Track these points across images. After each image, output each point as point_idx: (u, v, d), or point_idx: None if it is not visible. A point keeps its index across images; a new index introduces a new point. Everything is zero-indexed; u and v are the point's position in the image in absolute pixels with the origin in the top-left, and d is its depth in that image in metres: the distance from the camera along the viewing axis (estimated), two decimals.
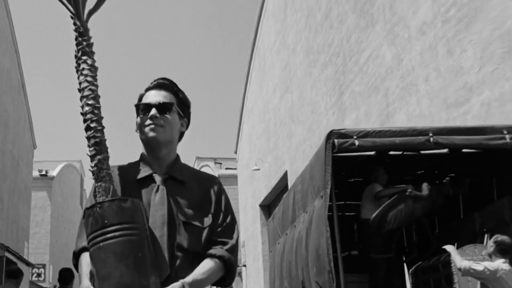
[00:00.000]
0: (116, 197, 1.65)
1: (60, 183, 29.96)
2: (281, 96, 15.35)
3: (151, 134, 1.84)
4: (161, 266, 1.68)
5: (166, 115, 1.86)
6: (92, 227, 1.58)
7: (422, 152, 4.91)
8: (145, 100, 1.90)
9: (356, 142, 4.22)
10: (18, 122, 20.12)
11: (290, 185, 14.23)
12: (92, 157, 1.69)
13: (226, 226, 1.89)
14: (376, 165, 5.31)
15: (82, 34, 1.76)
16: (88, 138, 1.71)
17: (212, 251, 1.82)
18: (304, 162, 13.04)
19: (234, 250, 1.87)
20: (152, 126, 1.83)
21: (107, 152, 1.72)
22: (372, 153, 5.17)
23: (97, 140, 1.70)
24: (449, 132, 4.41)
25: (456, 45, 6.82)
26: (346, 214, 6.50)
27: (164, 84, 1.92)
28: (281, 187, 15.69)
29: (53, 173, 28.31)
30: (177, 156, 1.97)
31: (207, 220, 1.85)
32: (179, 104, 1.93)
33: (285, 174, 14.90)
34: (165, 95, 1.89)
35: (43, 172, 27.28)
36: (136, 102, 1.95)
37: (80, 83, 1.74)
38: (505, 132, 4.35)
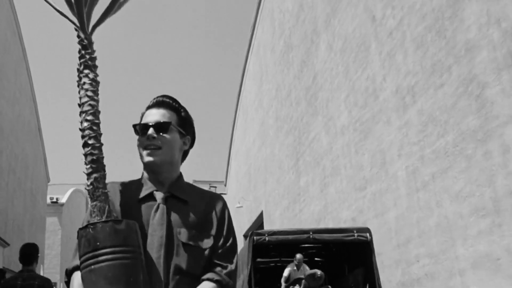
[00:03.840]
0: (111, 218, 1.57)
1: (69, 208, 33.06)
2: (258, 147, 18.39)
3: (148, 158, 1.76)
4: None
5: (164, 135, 1.77)
6: (84, 249, 1.51)
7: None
8: (144, 119, 1.82)
9: (267, 238, 7.20)
10: (35, 161, 23.20)
11: (265, 223, 17.29)
12: (88, 175, 1.61)
13: (227, 249, 1.80)
14: (296, 251, 8.30)
15: (86, 47, 1.70)
16: (85, 155, 1.63)
17: (209, 275, 1.72)
18: (274, 207, 16.14)
19: (233, 274, 1.78)
20: (149, 150, 1.77)
21: (104, 170, 1.64)
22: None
23: (94, 157, 1.62)
24: (322, 231, 7.36)
25: (359, 148, 9.86)
26: None
27: (164, 102, 1.84)
28: (259, 223, 18.67)
29: (63, 199, 31.40)
30: (180, 174, 1.88)
31: (208, 241, 1.77)
32: (180, 122, 1.84)
33: (261, 213, 17.89)
34: (164, 113, 1.81)
35: (54, 200, 30.36)
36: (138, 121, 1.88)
37: (80, 98, 1.67)
38: (354, 231, 7.29)
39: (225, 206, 1.88)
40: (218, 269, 1.75)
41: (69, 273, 1.70)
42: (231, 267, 1.78)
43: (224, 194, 28.80)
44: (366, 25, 9.57)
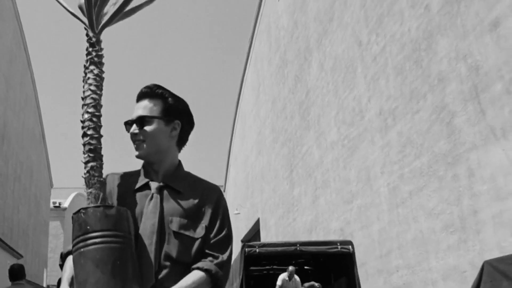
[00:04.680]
0: (102, 204, 1.62)
1: (72, 212, 33.58)
2: (256, 156, 19.03)
3: (136, 153, 1.82)
4: (146, 276, 1.66)
5: (144, 128, 1.80)
6: (76, 232, 1.57)
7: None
8: (131, 115, 1.86)
9: (257, 250, 7.85)
10: (39, 167, 23.86)
11: (261, 230, 17.94)
12: (85, 164, 1.67)
13: (220, 240, 1.79)
14: (286, 260, 9.00)
15: (93, 45, 1.77)
16: (84, 145, 1.68)
17: (199, 264, 1.72)
18: (270, 215, 16.76)
19: (224, 265, 1.76)
20: (135, 144, 1.82)
21: (101, 160, 1.69)
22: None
23: (91, 147, 1.67)
24: (308, 244, 8.01)
25: (347, 163, 10.50)
26: None
27: (146, 93, 1.85)
28: (256, 230, 19.31)
29: (65, 204, 32.06)
30: (178, 163, 1.90)
31: (200, 231, 1.77)
32: (166, 107, 1.83)
33: (258, 220, 18.52)
34: (146, 105, 1.83)
35: (57, 204, 31.02)
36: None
37: (83, 92, 1.73)
38: (338, 244, 7.94)
39: (220, 197, 1.86)
40: (209, 258, 1.75)
41: (63, 257, 1.76)
42: (222, 257, 1.77)
43: None
44: (354, 48, 10.22)
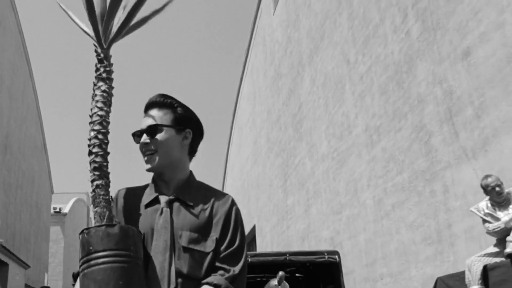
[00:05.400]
0: (105, 223, 1.60)
1: (72, 217, 34.25)
2: (251, 165, 19.54)
3: (147, 166, 1.77)
4: None
5: (156, 137, 1.75)
6: (81, 254, 1.57)
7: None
8: (139, 126, 1.81)
9: (249, 259, 8.33)
10: (40, 175, 24.35)
11: (257, 237, 18.42)
12: (91, 182, 1.66)
13: (231, 253, 1.72)
14: (278, 269, 9.51)
15: (101, 61, 1.75)
16: (90, 163, 1.68)
17: (209, 279, 1.65)
18: (265, 222, 17.26)
19: (235, 279, 1.68)
20: (146, 156, 1.76)
21: (107, 178, 1.67)
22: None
23: (96, 165, 1.66)
24: (297, 254, 8.53)
25: (336, 176, 11.01)
26: None
27: (154, 103, 1.81)
28: (252, 236, 19.79)
29: (66, 209, 32.55)
30: (189, 174, 1.85)
31: (211, 244, 1.71)
32: (176, 117, 1.79)
33: (254, 227, 19.01)
34: (155, 114, 1.78)
35: (57, 210, 31.50)
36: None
37: (91, 109, 1.72)
38: (325, 254, 8.46)
39: (232, 207, 1.79)
40: (220, 272, 1.68)
41: (75, 277, 1.76)
42: (234, 270, 1.69)
43: None
44: (342, 66, 10.74)
